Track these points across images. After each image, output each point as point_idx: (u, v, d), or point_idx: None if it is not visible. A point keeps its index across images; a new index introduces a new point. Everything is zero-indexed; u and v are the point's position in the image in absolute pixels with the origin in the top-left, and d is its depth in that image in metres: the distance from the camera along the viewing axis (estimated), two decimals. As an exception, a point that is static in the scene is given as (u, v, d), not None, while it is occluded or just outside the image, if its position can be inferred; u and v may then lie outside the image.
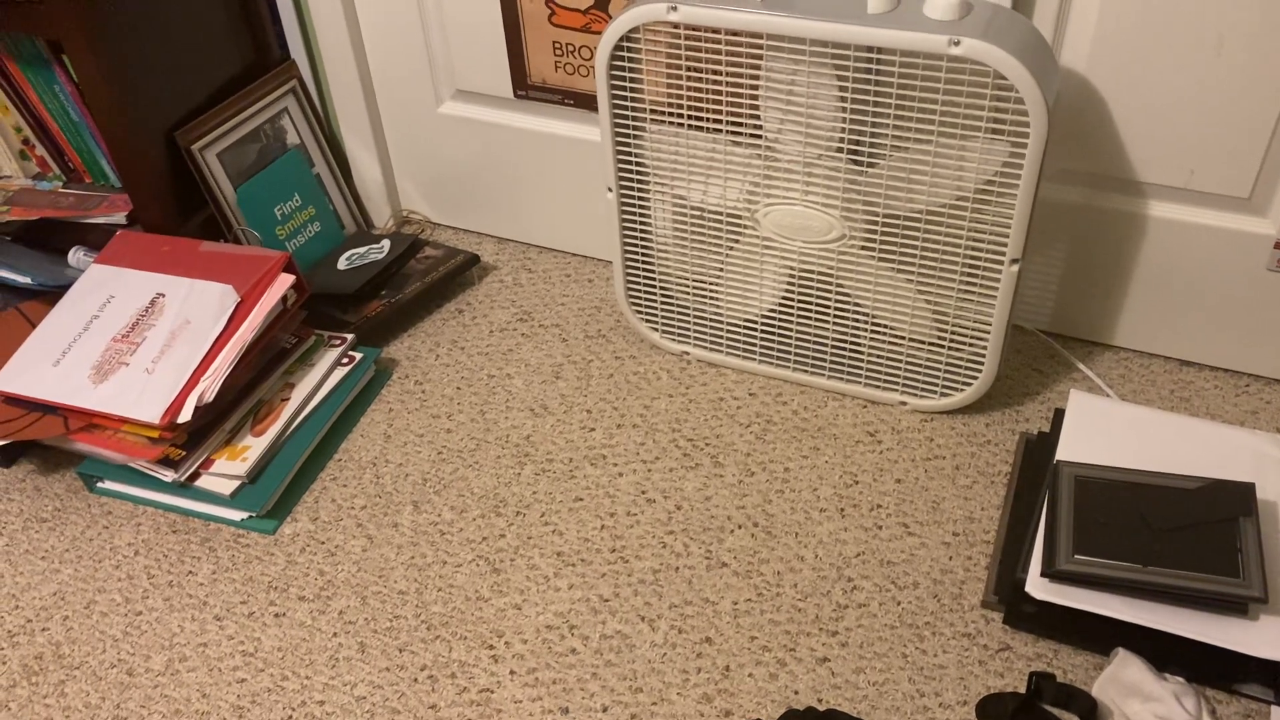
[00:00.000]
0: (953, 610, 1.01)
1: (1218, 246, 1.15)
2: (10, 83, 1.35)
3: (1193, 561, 0.92)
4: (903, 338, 1.17)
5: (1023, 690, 0.94)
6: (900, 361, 1.19)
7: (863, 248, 1.12)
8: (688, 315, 1.28)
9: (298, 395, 1.22)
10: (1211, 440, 1.06)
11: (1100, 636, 0.95)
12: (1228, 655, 0.90)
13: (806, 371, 1.24)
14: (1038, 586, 0.95)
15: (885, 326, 1.18)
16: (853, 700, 0.95)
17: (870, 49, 1.00)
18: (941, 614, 1.01)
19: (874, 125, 1.04)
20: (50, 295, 1.32)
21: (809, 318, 1.21)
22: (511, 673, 0.99)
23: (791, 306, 1.21)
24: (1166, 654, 0.92)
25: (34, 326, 1.25)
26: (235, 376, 1.17)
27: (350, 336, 1.29)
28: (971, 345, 1.15)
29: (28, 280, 1.31)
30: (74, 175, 1.43)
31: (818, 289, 1.18)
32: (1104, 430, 1.07)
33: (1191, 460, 1.04)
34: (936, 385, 1.19)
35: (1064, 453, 1.05)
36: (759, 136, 1.10)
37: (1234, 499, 0.96)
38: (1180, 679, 0.91)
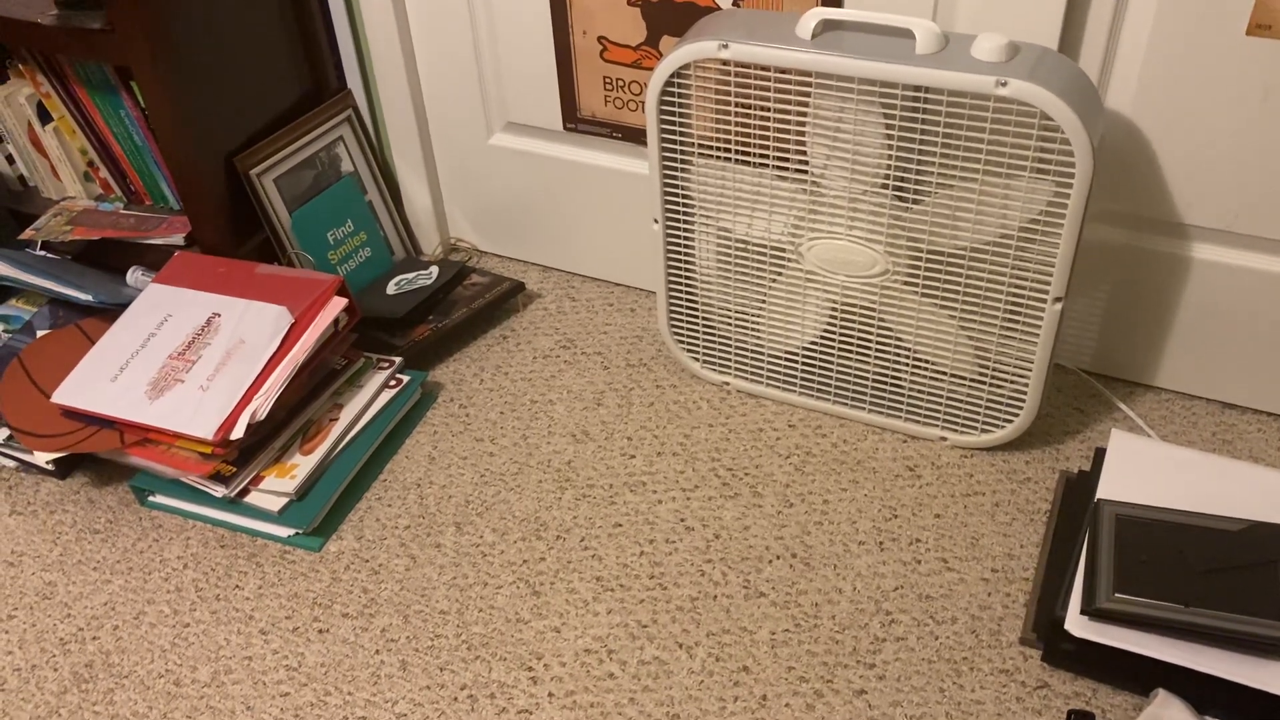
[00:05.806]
0: (991, 646, 1.01)
1: (1261, 289, 1.15)
2: (79, 107, 1.40)
3: (1234, 603, 0.91)
4: (944, 373, 1.18)
5: (1061, 728, 0.94)
6: (941, 397, 1.20)
7: (905, 283, 1.13)
8: (729, 346, 1.29)
9: (346, 416, 1.24)
10: (1253, 483, 1.05)
11: (1140, 676, 0.95)
12: (1269, 699, 0.89)
13: (847, 405, 1.25)
14: (1077, 624, 0.94)
15: (926, 362, 1.18)
16: (889, 733, 0.95)
17: (918, 88, 1.02)
18: (980, 650, 1.01)
19: (920, 162, 1.05)
20: (109, 313, 1.36)
21: (850, 351, 1.22)
22: (550, 695, 1.00)
23: (833, 340, 1.22)
24: (1207, 696, 0.92)
25: (93, 343, 1.29)
26: (287, 396, 1.19)
27: (398, 360, 1.31)
28: (1013, 383, 1.15)
29: (88, 298, 1.35)
30: (135, 197, 1.47)
31: (859, 323, 1.19)
32: (1145, 470, 1.07)
33: (1233, 502, 1.03)
34: (977, 422, 1.19)
35: (1105, 491, 1.05)
36: (804, 171, 1.11)
37: (1276, 541, 0.96)
38: (1221, 722, 0.91)
